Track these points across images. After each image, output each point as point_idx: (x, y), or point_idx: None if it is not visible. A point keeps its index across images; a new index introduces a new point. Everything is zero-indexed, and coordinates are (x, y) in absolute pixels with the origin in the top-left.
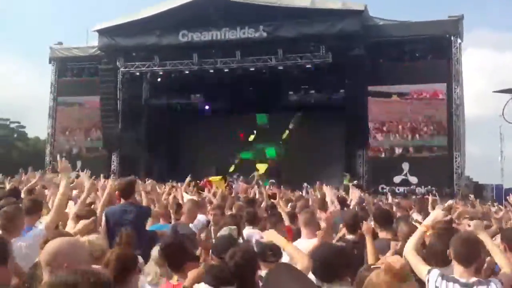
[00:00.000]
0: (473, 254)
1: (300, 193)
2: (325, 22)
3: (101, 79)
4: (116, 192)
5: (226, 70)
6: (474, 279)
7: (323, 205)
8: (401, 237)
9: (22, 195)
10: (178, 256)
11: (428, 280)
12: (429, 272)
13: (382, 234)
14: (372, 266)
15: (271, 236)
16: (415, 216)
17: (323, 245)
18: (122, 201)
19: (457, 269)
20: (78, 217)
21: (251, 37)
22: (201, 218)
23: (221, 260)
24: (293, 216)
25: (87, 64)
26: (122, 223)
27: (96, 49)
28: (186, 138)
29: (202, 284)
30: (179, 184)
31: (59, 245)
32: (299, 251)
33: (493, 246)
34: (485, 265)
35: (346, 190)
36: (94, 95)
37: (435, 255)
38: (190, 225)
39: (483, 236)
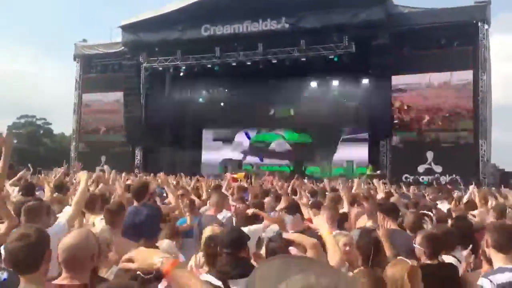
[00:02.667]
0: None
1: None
2: (348, 11)
3: (124, 75)
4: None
5: (248, 63)
6: None
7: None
8: (407, 226)
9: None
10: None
11: None
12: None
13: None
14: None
15: (318, 222)
16: (443, 206)
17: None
18: (135, 203)
19: (497, 257)
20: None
21: (273, 29)
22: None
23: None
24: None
25: (111, 60)
26: (134, 225)
27: (119, 45)
28: (209, 132)
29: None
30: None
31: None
32: (336, 246)
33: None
34: None
35: (369, 181)
36: (118, 91)
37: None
38: (218, 215)
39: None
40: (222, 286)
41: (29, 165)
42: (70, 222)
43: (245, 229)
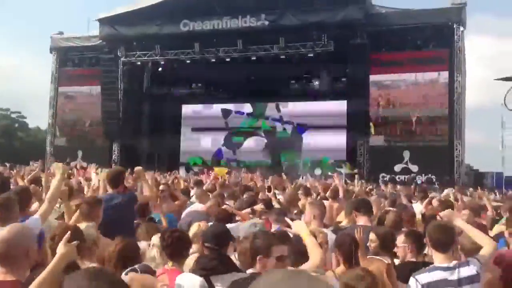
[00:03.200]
0: (449, 240)
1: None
2: (327, 10)
3: (102, 69)
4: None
5: (227, 60)
6: (454, 262)
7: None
8: (387, 225)
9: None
10: (178, 245)
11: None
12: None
13: (361, 220)
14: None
15: (297, 226)
16: (416, 206)
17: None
18: (110, 190)
19: (437, 256)
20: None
21: (253, 26)
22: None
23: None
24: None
25: (88, 53)
26: (107, 209)
27: (97, 38)
28: (187, 128)
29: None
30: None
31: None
32: (317, 248)
33: (472, 229)
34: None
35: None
36: (95, 85)
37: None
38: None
39: (459, 222)
40: (204, 283)
41: (6, 163)
42: (43, 216)
43: None
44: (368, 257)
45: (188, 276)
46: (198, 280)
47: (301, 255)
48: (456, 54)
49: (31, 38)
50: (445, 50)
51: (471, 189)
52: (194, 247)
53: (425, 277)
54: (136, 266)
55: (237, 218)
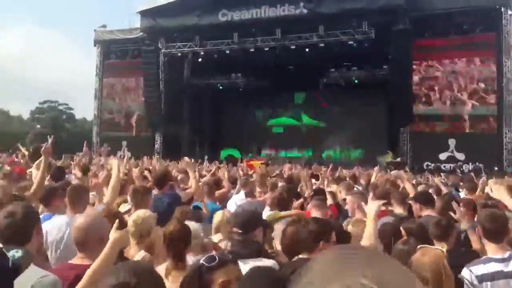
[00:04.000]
0: (502, 229)
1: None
2: None
3: (143, 61)
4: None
5: (266, 49)
6: (508, 252)
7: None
8: (436, 211)
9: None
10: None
11: (468, 281)
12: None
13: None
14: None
15: (370, 206)
16: (462, 194)
17: None
18: (156, 191)
19: (489, 246)
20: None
21: (291, 14)
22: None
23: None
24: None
25: (130, 46)
26: (156, 211)
27: (138, 31)
28: (228, 118)
29: None
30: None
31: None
32: (375, 236)
33: None
34: None
35: (388, 168)
36: (138, 76)
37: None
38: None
39: (507, 200)
40: None
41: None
42: (108, 206)
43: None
44: (419, 246)
45: None
46: None
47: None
48: (504, 38)
49: (76, 31)
50: (492, 34)
51: None
52: (219, 236)
53: (480, 268)
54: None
55: None
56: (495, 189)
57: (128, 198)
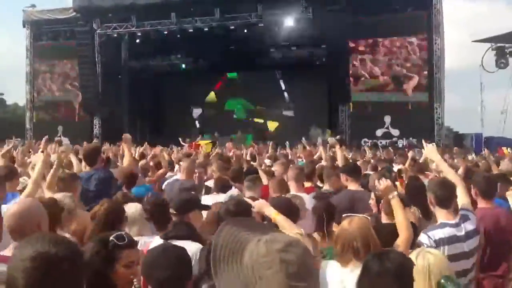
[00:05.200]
0: (452, 195)
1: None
2: None
3: (78, 42)
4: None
5: (206, 29)
6: (457, 218)
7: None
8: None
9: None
10: (163, 214)
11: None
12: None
13: (352, 185)
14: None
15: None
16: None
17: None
18: (88, 168)
19: (440, 213)
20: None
21: None
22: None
23: None
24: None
25: (63, 26)
26: (87, 189)
27: (71, 10)
28: (167, 99)
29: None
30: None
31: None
32: (290, 223)
33: (447, 168)
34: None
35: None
36: (72, 59)
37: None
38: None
39: (438, 160)
40: None
41: None
42: (28, 196)
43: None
44: (344, 215)
45: (155, 240)
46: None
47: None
48: (434, 17)
49: (3, 12)
50: (423, 13)
51: (455, 149)
52: (135, 230)
53: (437, 233)
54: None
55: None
56: (428, 149)
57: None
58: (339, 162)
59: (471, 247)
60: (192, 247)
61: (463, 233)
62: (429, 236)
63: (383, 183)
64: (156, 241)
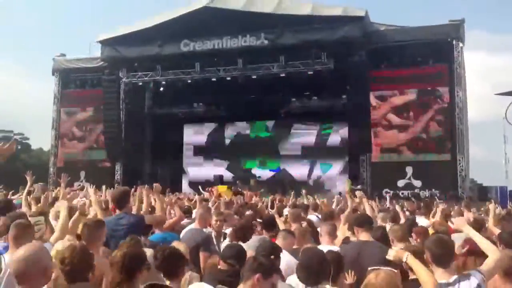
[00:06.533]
0: (450, 254)
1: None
2: (326, 29)
3: (104, 90)
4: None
5: (228, 78)
6: (454, 277)
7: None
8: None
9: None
10: (174, 264)
11: None
12: None
13: (363, 236)
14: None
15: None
16: (421, 220)
17: (306, 250)
18: (117, 211)
19: (438, 272)
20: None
21: (253, 45)
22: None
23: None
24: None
25: (90, 75)
26: (117, 231)
27: (98, 60)
28: (189, 149)
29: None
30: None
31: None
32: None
33: (480, 238)
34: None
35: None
36: (97, 106)
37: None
38: (204, 230)
39: (468, 230)
40: None
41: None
42: (54, 242)
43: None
44: (370, 268)
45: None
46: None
47: None
48: (456, 69)
49: (33, 60)
50: (444, 66)
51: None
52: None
53: None
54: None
55: None
56: (457, 221)
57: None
58: (369, 213)
59: None
60: None
61: None
62: None
63: (392, 254)
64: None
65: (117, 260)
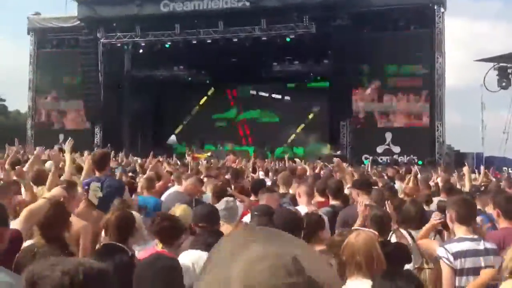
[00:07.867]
0: (474, 214)
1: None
2: None
3: (81, 51)
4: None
5: (209, 41)
6: (477, 236)
7: None
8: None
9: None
10: (169, 231)
11: (444, 258)
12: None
13: (363, 198)
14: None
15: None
16: (398, 184)
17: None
18: (97, 173)
19: (460, 229)
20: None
21: (234, 7)
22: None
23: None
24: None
25: (67, 35)
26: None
27: (75, 19)
28: (169, 111)
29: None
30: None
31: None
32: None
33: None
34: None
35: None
36: (75, 67)
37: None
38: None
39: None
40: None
41: None
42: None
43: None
44: (353, 228)
45: (192, 253)
46: (204, 254)
47: None
48: (437, 35)
49: (7, 19)
50: (426, 31)
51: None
52: None
53: (454, 246)
54: None
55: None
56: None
57: None
58: (348, 181)
59: (488, 263)
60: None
61: (482, 248)
62: (446, 249)
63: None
64: (192, 252)
65: (112, 222)
